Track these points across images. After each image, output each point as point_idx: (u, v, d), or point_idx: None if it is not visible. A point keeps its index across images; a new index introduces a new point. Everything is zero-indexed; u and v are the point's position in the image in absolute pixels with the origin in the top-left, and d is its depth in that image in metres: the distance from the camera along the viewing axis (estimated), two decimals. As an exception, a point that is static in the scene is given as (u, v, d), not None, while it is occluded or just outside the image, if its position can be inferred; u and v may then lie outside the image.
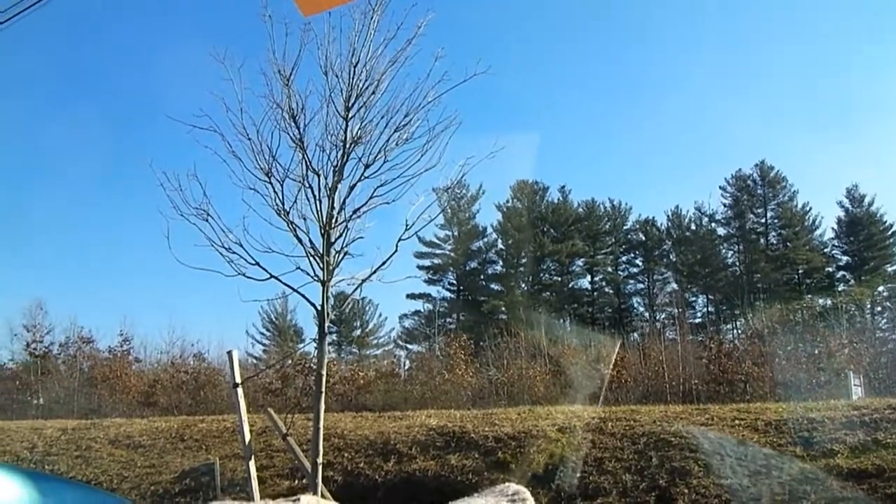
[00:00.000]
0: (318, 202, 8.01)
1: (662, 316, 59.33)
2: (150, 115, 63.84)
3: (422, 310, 65.55)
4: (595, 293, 68.69)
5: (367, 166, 8.06)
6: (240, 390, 8.99)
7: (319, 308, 8.02)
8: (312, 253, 7.99)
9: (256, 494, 8.89)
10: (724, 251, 66.43)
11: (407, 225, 8.18)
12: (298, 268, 8.02)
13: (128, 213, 69.32)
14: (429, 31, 8.04)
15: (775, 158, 64.41)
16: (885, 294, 55.11)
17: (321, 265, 7.97)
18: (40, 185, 70.66)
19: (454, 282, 68.31)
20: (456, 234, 66.75)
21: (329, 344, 8.45)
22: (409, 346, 59.69)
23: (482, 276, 68.92)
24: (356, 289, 8.45)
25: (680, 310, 48.29)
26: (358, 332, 64.27)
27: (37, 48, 66.65)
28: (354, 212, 8.06)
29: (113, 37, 71.61)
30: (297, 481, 11.12)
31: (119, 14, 68.30)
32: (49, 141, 70.15)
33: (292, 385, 28.02)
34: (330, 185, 8.01)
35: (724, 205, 65.71)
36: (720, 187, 65.54)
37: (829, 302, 47.79)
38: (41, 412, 26.24)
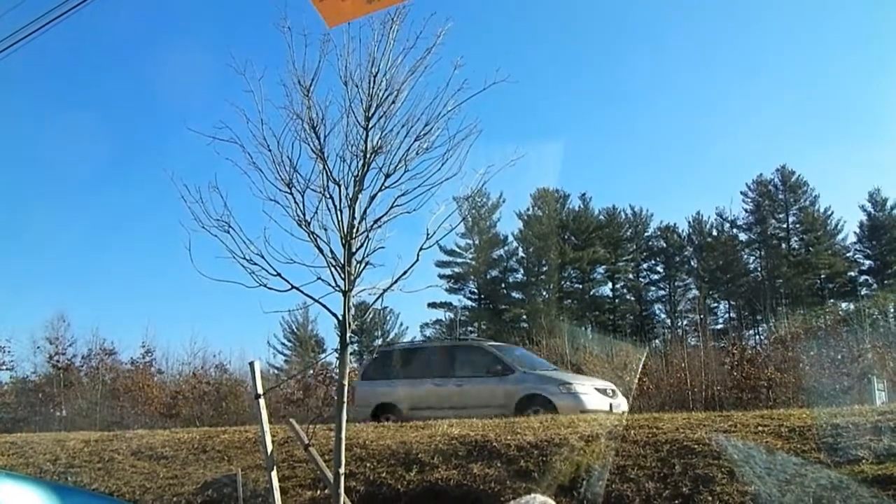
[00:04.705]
0: (338, 212, 7.96)
1: (684, 322, 58.88)
2: (173, 127, 64.30)
3: (443, 319, 65.58)
4: (616, 300, 68.51)
5: (387, 176, 8.00)
6: (262, 401, 8.98)
7: (341, 318, 7.98)
8: (334, 263, 7.95)
9: (279, 505, 8.89)
10: (745, 257, 66.04)
11: (428, 234, 8.09)
12: (319, 278, 7.97)
13: (149, 225, 69.85)
14: (448, 39, 7.96)
15: (796, 163, 64.25)
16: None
17: (342, 275, 7.93)
18: (62, 198, 71.30)
19: (475, 290, 68.29)
20: (477, 242, 66.72)
21: (351, 354, 8.42)
22: (431, 355, 59.54)
23: (503, 285, 68.82)
24: (377, 299, 8.39)
25: (702, 316, 48.00)
26: (379, 341, 64.28)
27: (59, 66, 67.32)
28: (375, 222, 8.00)
29: (141, 53, 72.31)
30: (319, 492, 11.08)
31: (141, 28, 68.87)
32: (71, 154, 70.90)
33: (314, 395, 28.05)
34: (351, 196, 7.97)
35: (746, 210, 65.54)
36: (741, 193, 65.39)
37: (851, 307, 47.50)
38: (64, 424, 26.34)
